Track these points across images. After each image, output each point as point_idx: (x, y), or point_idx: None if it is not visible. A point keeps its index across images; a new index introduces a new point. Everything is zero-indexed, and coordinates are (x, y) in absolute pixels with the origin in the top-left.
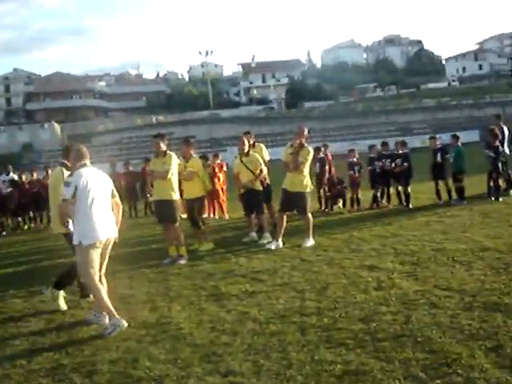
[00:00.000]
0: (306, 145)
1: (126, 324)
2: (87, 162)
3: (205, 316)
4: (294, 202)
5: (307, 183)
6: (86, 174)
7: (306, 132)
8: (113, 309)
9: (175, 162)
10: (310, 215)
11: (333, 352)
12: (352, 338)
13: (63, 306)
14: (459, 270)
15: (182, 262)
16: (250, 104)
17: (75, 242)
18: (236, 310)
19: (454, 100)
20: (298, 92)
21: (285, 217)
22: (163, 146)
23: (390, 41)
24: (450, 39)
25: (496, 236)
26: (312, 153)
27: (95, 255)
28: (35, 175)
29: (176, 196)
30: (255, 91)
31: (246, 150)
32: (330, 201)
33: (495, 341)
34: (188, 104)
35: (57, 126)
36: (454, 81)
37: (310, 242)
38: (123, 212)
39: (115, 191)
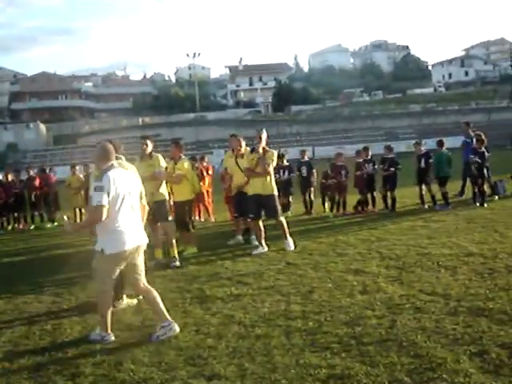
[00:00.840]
0: (267, 148)
1: (113, 339)
2: (114, 161)
3: (189, 319)
4: (265, 205)
5: (275, 186)
6: (115, 177)
7: (265, 135)
8: (109, 323)
9: (163, 162)
10: (282, 218)
11: (318, 356)
12: (337, 342)
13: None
14: (444, 274)
15: (177, 263)
16: (236, 107)
17: (97, 248)
18: (221, 313)
19: (439, 106)
20: (284, 95)
21: (261, 222)
22: (150, 148)
23: (377, 46)
24: (437, 45)
25: (481, 241)
26: (276, 154)
27: (116, 265)
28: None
29: (166, 196)
30: (242, 94)
31: (241, 152)
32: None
33: (480, 346)
34: (174, 106)
35: (42, 127)
36: (440, 87)
37: (291, 243)
38: None
39: (143, 193)
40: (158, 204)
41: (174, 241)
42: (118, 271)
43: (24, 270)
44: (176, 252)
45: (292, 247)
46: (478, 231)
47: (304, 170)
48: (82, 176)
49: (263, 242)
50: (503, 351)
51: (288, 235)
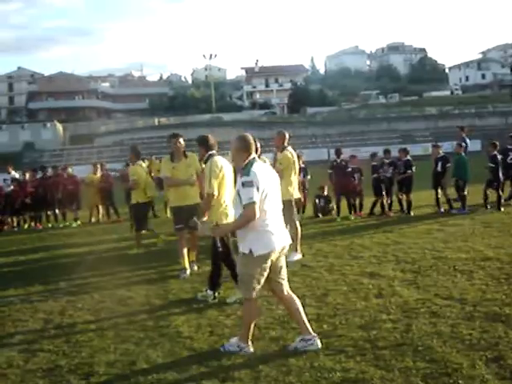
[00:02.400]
0: (286, 148)
1: (252, 351)
2: (254, 154)
3: (204, 320)
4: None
5: (291, 190)
6: (260, 171)
7: (286, 136)
8: (250, 335)
9: (197, 162)
10: (297, 224)
11: (332, 359)
12: (352, 345)
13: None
14: (460, 279)
15: (195, 268)
16: (252, 108)
17: (244, 249)
18: (235, 315)
19: (456, 109)
20: (300, 97)
21: None
22: (183, 147)
23: (394, 48)
24: (454, 48)
25: (497, 246)
26: (289, 157)
27: (265, 267)
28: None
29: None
30: (258, 95)
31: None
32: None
33: (496, 351)
34: (190, 107)
35: (59, 126)
36: (456, 89)
37: (297, 256)
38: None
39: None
40: (190, 209)
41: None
42: (265, 274)
43: (40, 269)
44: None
45: (295, 259)
46: (494, 235)
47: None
48: (99, 175)
49: None
50: None
51: (299, 246)
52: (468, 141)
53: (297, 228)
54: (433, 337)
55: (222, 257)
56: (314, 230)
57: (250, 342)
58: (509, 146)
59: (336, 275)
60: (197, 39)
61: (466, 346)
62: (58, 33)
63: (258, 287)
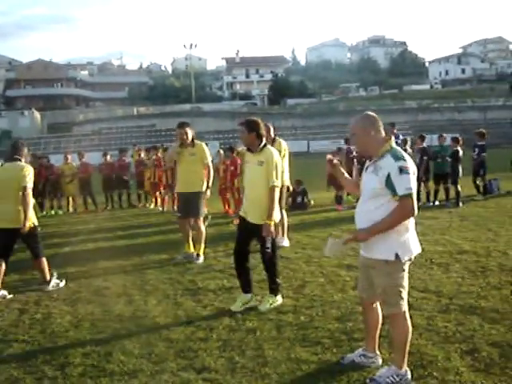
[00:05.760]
0: (277, 139)
1: (409, 378)
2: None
3: (181, 311)
4: None
5: (284, 178)
6: (406, 155)
7: (271, 128)
8: (406, 357)
9: (207, 151)
10: (283, 212)
11: (309, 350)
12: (328, 337)
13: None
14: (436, 272)
15: (200, 261)
16: (232, 99)
17: (387, 256)
18: (212, 306)
19: (435, 103)
20: (281, 88)
21: None
22: (190, 136)
23: (375, 41)
24: (434, 42)
25: (474, 239)
26: (285, 147)
27: (407, 273)
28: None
29: (203, 188)
30: (238, 86)
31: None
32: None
33: (471, 344)
34: (170, 96)
35: (37, 114)
36: (436, 83)
37: (286, 242)
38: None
39: None
40: (189, 196)
41: (203, 237)
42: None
43: (15, 258)
44: (202, 249)
45: (285, 245)
46: (471, 229)
47: None
48: (74, 164)
49: None
50: (494, 350)
51: (285, 232)
52: (401, 137)
53: (283, 215)
54: None
55: (269, 256)
56: (292, 222)
57: (406, 367)
58: (477, 143)
59: (313, 267)
60: (177, 28)
61: (442, 338)
62: (37, 20)
63: (406, 297)
